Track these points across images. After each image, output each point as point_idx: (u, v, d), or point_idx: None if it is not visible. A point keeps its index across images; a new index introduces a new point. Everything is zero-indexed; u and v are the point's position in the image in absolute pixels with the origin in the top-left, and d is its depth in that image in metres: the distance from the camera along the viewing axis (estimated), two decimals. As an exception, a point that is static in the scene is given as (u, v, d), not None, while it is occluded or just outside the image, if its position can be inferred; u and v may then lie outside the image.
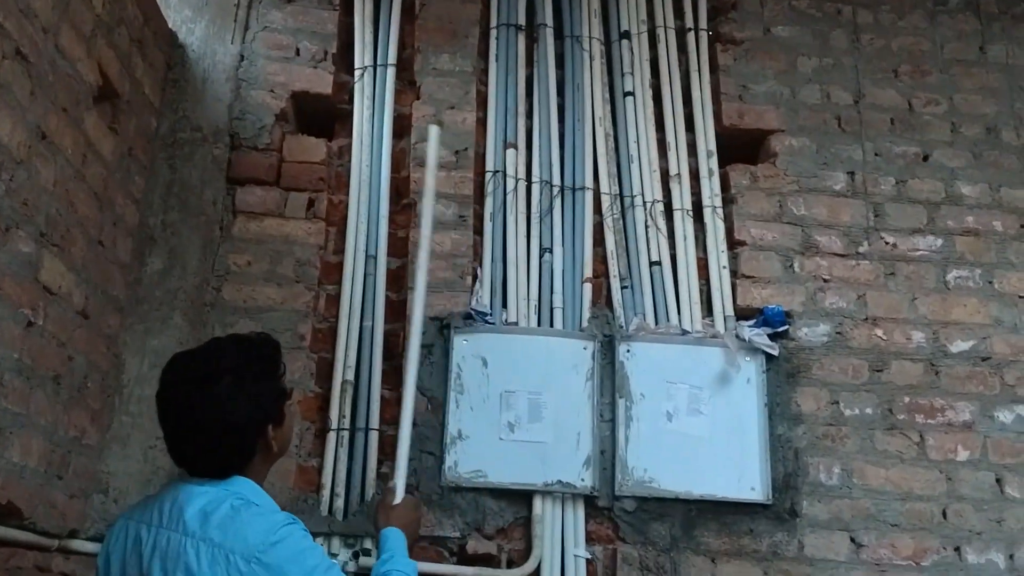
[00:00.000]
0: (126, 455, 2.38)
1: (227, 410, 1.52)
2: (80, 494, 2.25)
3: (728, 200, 2.83)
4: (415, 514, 1.88)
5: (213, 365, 1.56)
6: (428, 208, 2.11)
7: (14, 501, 1.91)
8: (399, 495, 1.89)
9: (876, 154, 2.89)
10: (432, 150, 2.19)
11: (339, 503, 2.47)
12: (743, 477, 2.55)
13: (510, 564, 2.47)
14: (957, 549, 2.53)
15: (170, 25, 2.75)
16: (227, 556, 1.41)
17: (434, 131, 2.21)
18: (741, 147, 2.93)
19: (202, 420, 1.52)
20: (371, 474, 2.51)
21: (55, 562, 2.15)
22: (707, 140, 2.89)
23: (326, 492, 2.48)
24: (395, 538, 1.76)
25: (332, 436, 2.52)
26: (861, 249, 2.78)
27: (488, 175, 2.80)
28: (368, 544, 2.42)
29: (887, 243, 2.79)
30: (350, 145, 2.81)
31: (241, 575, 1.40)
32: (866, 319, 2.72)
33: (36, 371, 1.99)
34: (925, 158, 2.90)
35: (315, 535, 2.35)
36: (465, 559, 2.45)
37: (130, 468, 2.37)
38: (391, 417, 2.58)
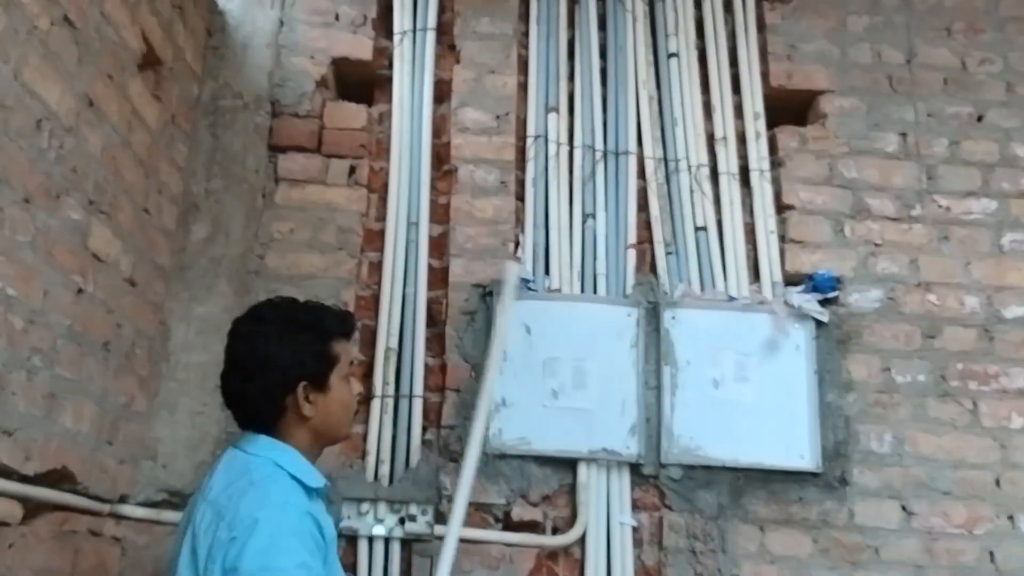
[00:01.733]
0: (174, 421, 2.40)
1: (260, 348, 1.58)
2: (130, 460, 2.27)
3: (776, 163, 2.77)
4: None
5: (267, 310, 1.67)
6: (499, 343, 2.28)
7: (68, 466, 1.93)
8: None
9: (929, 115, 2.81)
10: (509, 288, 2.37)
11: (384, 469, 2.48)
12: (792, 445, 2.51)
13: (555, 531, 2.47)
14: (1011, 517, 2.49)
15: (210, -9, 2.73)
16: (218, 522, 1.43)
17: (512, 269, 2.38)
18: (789, 109, 2.86)
19: (238, 356, 1.61)
20: (415, 441, 2.51)
21: (107, 526, 2.18)
22: (754, 102, 2.83)
23: (371, 459, 2.49)
24: None
25: (376, 403, 2.53)
26: (913, 213, 2.71)
27: (529, 140, 2.76)
28: (414, 510, 2.42)
29: (940, 206, 2.72)
30: (390, 111, 2.79)
31: (220, 543, 1.40)
32: (919, 284, 2.65)
33: (86, 338, 2.00)
34: (979, 119, 2.82)
35: (361, 500, 2.40)
36: (510, 526, 2.46)
37: (178, 434, 2.38)
38: (435, 384, 2.58)
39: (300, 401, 1.59)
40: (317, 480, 1.58)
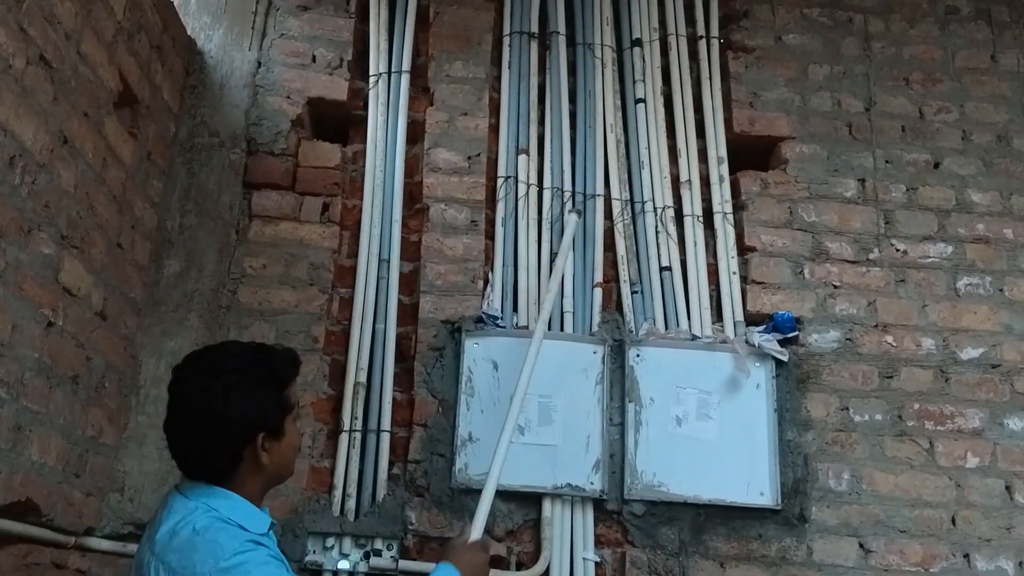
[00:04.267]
0: (142, 455, 2.42)
1: (219, 403, 1.50)
2: (97, 492, 2.29)
3: (738, 206, 2.85)
4: (481, 556, 1.82)
5: (218, 360, 1.57)
6: (556, 283, 2.49)
7: (32, 498, 1.95)
8: (473, 535, 1.90)
9: (887, 161, 2.90)
10: (568, 236, 2.58)
11: (351, 504, 2.50)
12: (752, 482, 2.56)
13: (519, 566, 2.49)
14: (966, 556, 2.54)
15: (189, 32, 2.80)
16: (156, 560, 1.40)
17: (572, 219, 2.59)
18: (752, 154, 2.95)
19: (193, 409, 1.52)
20: (382, 475, 2.54)
21: (71, 559, 2.19)
22: (718, 146, 2.91)
23: (338, 493, 2.51)
24: (445, 571, 1.72)
25: (344, 437, 2.55)
26: (872, 256, 2.79)
27: (500, 180, 2.83)
28: (379, 544, 2.44)
29: (898, 250, 2.80)
30: (364, 151, 2.85)
31: None
32: (876, 326, 2.72)
33: (55, 371, 2.03)
34: (936, 166, 2.91)
35: (327, 535, 2.42)
36: (475, 560, 2.47)
37: (146, 467, 2.40)
38: (402, 419, 2.61)
39: (258, 451, 1.54)
40: (262, 525, 1.54)
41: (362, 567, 2.43)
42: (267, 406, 1.57)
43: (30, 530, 1.97)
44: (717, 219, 2.83)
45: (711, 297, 2.76)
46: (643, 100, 2.95)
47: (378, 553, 2.44)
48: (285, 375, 1.61)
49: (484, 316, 2.67)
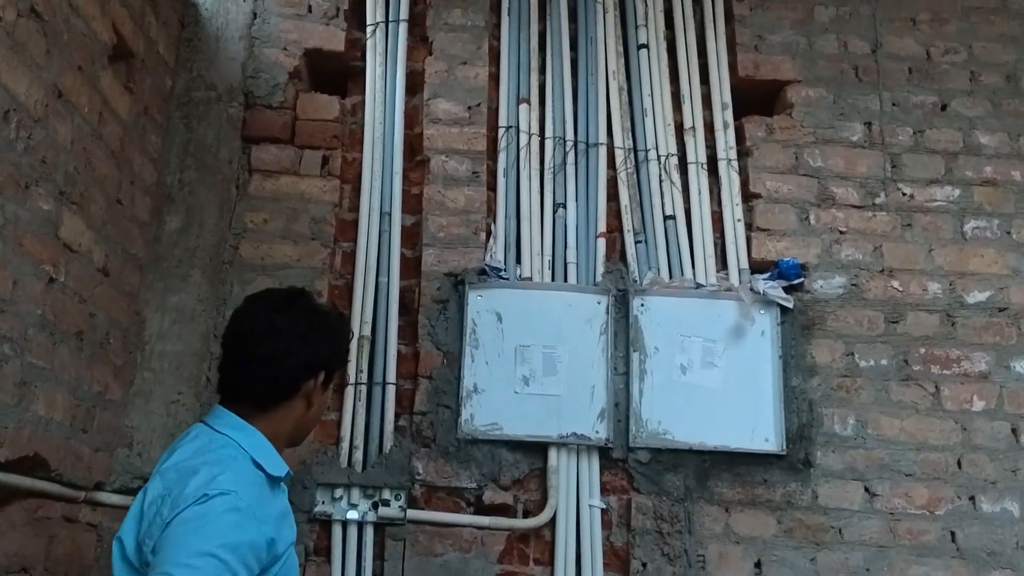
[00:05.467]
0: (149, 410, 2.43)
1: (304, 326, 1.59)
2: (105, 448, 2.31)
3: (743, 153, 2.82)
4: None
5: (306, 298, 1.68)
6: None
7: (40, 453, 1.96)
8: None
9: (894, 104, 2.85)
10: None
11: (358, 455, 2.52)
12: (757, 428, 2.56)
13: (526, 514, 2.52)
14: (972, 498, 2.54)
15: (182, -17, 2.76)
16: (164, 496, 1.41)
17: None
18: (757, 99, 2.91)
19: (277, 325, 1.58)
20: (389, 427, 2.55)
21: (82, 513, 2.21)
22: (722, 92, 2.87)
23: (345, 445, 2.53)
24: None
25: (350, 390, 2.56)
26: (878, 200, 2.76)
27: (501, 131, 2.80)
28: (387, 495, 2.46)
29: (904, 194, 2.77)
30: (363, 102, 2.82)
31: (163, 519, 1.38)
32: (882, 271, 2.70)
33: (59, 327, 2.03)
34: (943, 108, 2.86)
35: (335, 486, 2.44)
36: (482, 509, 2.50)
37: (153, 423, 2.42)
38: (407, 372, 2.62)
39: (313, 391, 1.61)
40: (280, 469, 1.56)
41: (371, 517, 2.46)
42: (337, 348, 1.67)
43: (40, 485, 1.98)
44: (721, 166, 2.80)
45: (715, 245, 2.75)
46: (646, 46, 2.90)
47: (386, 503, 2.46)
48: (350, 334, 1.76)
49: (487, 268, 2.66)
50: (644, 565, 2.46)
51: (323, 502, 2.46)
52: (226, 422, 1.56)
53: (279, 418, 1.59)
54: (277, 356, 1.57)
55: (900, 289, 2.69)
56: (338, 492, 2.47)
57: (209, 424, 1.56)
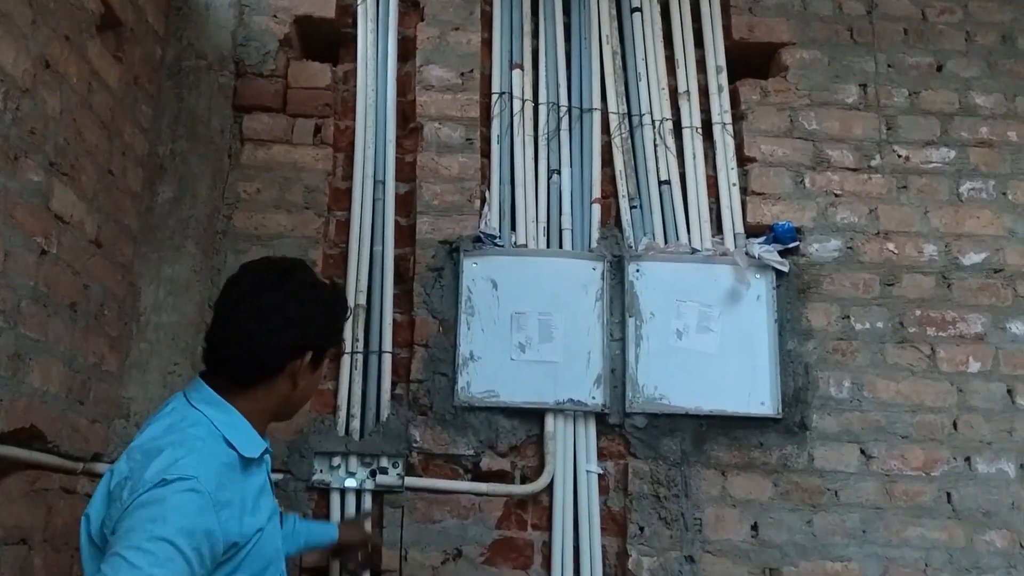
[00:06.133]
0: (146, 381, 2.43)
1: (293, 304, 1.55)
2: (102, 419, 2.31)
3: (738, 116, 2.80)
4: None
5: (298, 272, 1.62)
6: None
7: (37, 425, 1.96)
8: None
9: (889, 65, 2.83)
10: None
11: (355, 424, 2.52)
12: (753, 392, 2.57)
13: (523, 480, 2.53)
14: (967, 459, 2.56)
15: (170, -49, 2.72)
16: (127, 478, 1.39)
17: None
18: (751, 62, 2.88)
19: (265, 303, 1.54)
20: (385, 395, 2.55)
21: (80, 484, 2.22)
22: (716, 55, 2.85)
23: (342, 413, 2.53)
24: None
25: (347, 359, 2.56)
26: (873, 163, 2.75)
27: (494, 97, 2.77)
28: (384, 463, 2.47)
29: (899, 156, 2.76)
30: (355, 70, 2.79)
31: (122, 503, 1.36)
32: (877, 233, 2.70)
33: (52, 299, 2.03)
34: (939, 69, 2.84)
35: (332, 454, 2.45)
36: (479, 476, 2.51)
37: (150, 394, 2.42)
38: (403, 340, 2.62)
39: (299, 370, 1.57)
40: (254, 449, 1.53)
41: (368, 485, 2.47)
42: (330, 329, 1.63)
43: (37, 456, 1.98)
44: (716, 130, 2.78)
45: (711, 210, 2.73)
46: (639, 9, 2.87)
47: (384, 471, 2.47)
48: (346, 314, 1.69)
49: (482, 235, 2.65)
50: (641, 529, 2.47)
51: (321, 470, 2.47)
52: (202, 397, 1.53)
53: (261, 396, 1.56)
54: (260, 333, 1.53)
55: (895, 252, 2.69)
56: (336, 460, 2.48)
57: (187, 397, 1.54)
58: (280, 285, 1.57)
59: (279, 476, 2.44)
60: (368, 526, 2.38)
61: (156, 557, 1.29)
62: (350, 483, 2.46)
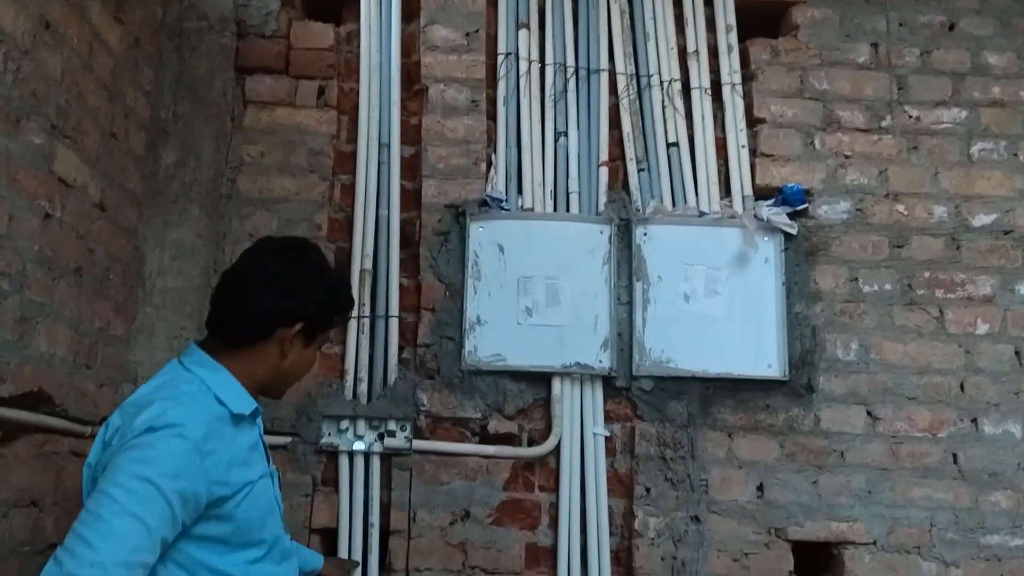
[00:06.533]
0: (152, 345, 2.43)
1: (291, 273, 1.59)
2: (110, 383, 2.31)
3: (748, 76, 2.76)
4: None
5: (310, 251, 1.68)
6: None
7: (44, 388, 1.96)
8: None
9: (900, 24, 2.78)
10: None
11: (363, 388, 2.53)
12: (760, 355, 2.57)
13: (531, 442, 2.54)
14: (974, 421, 2.56)
15: (169, -91, 2.67)
16: (119, 429, 1.44)
17: None
18: (762, 21, 2.83)
19: (268, 269, 1.60)
20: (392, 359, 2.55)
21: (88, 448, 2.21)
22: (726, 14, 2.79)
23: (349, 377, 2.54)
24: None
25: (353, 324, 2.56)
26: (884, 123, 2.71)
27: (500, 57, 2.74)
28: (392, 426, 2.48)
29: (910, 116, 2.72)
30: (358, 30, 2.75)
31: (112, 448, 1.42)
32: (887, 195, 2.67)
33: (57, 263, 2.02)
34: (951, 27, 2.79)
35: (340, 418, 2.45)
36: (487, 439, 2.52)
37: (157, 358, 2.42)
38: (409, 304, 2.61)
39: (288, 339, 1.60)
40: (245, 406, 1.56)
41: (377, 448, 2.48)
42: (325, 307, 1.63)
43: (45, 420, 1.99)
44: (726, 91, 2.74)
45: (719, 172, 2.71)
46: (647, -33, 2.82)
47: (392, 434, 2.48)
48: (346, 301, 1.71)
49: (488, 199, 2.63)
50: (648, 490, 2.48)
51: (329, 434, 2.48)
52: (194, 359, 1.57)
53: (251, 360, 1.59)
54: (256, 294, 1.58)
55: (905, 213, 2.66)
56: (344, 424, 2.48)
57: (181, 361, 1.58)
58: (287, 255, 1.63)
59: (288, 439, 2.46)
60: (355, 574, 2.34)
61: (138, 496, 1.34)
62: (358, 446, 2.47)
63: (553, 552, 2.47)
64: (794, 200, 2.63)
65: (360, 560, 2.42)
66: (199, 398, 1.50)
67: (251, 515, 1.50)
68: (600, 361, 2.55)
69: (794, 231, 2.61)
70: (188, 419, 1.43)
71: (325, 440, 2.47)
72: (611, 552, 2.47)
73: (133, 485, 1.34)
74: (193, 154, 2.55)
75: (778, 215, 2.61)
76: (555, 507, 2.49)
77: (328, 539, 2.47)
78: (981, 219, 2.67)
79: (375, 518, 2.44)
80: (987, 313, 2.62)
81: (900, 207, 2.66)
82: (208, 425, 1.46)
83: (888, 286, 2.62)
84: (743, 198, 2.68)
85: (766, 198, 2.67)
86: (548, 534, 2.49)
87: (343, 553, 2.42)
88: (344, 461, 2.48)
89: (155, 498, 1.35)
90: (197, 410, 1.47)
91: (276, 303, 1.58)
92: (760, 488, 2.50)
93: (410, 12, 2.78)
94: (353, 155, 2.68)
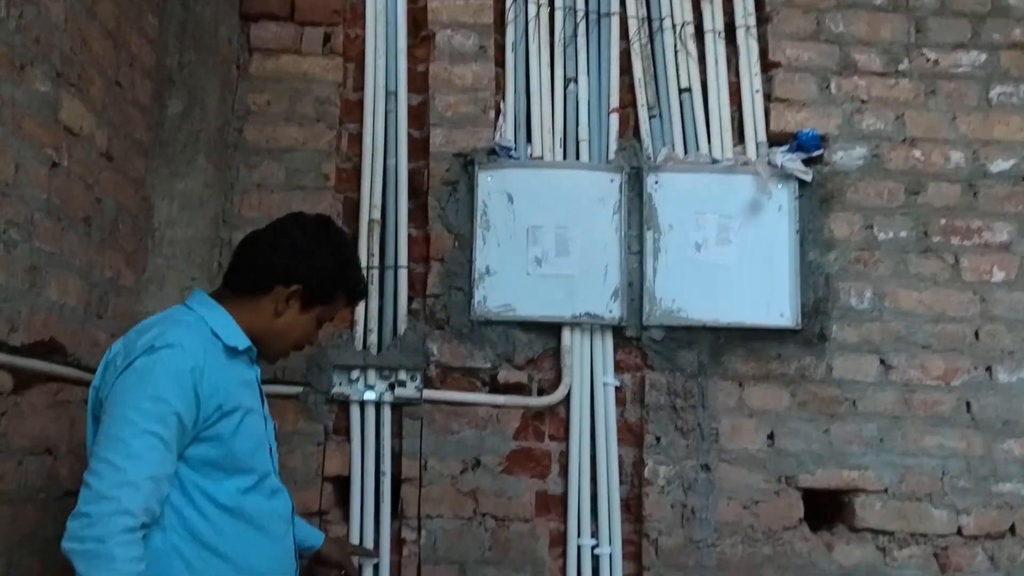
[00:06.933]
0: (163, 296, 2.43)
1: (306, 240, 1.76)
2: (121, 333, 2.27)
3: (762, 19, 2.70)
4: None
5: (335, 230, 1.87)
6: None
7: (56, 338, 1.96)
8: None
9: (919, -36, 2.71)
10: None
11: (373, 338, 2.53)
12: (772, 304, 2.55)
13: (541, 392, 2.54)
14: (988, 369, 2.54)
15: None
16: (120, 352, 1.64)
17: None
18: (776, -39, 2.77)
19: (287, 231, 1.79)
20: (402, 310, 2.55)
21: (102, 397, 2.24)
22: (740, -46, 2.73)
23: (360, 328, 2.54)
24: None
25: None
26: (901, 67, 2.66)
27: (508, 2, 2.68)
28: (403, 376, 2.48)
29: (928, 60, 2.66)
30: (364, -25, 2.71)
31: (116, 369, 1.61)
32: (904, 140, 2.63)
33: (66, 212, 2.01)
34: (972, -33, 2.72)
35: (351, 368, 2.45)
36: (497, 388, 2.53)
37: (167, 308, 2.42)
38: (419, 255, 2.60)
39: (282, 297, 1.74)
40: (239, 341, 1.71)
41: (387, 397, 2.49)
42: (327, 277, 1.77)
43: (58, 369, 1.99)
44: (740, 34, 2.69)
45: (732, 118, 2.66)
46: (659, -96, 2.75)
47: (402, 384, 2.49)
48: (353, 283, 1.85)
49: (497, 147, 2.60)
50: (658, 439, 2.49)
51: (340, 383, 2.49)
52: (197, 300, 1.76)
53: (248, 309, 1.74)
54: (263, 245, 1.77)
55: (922, 159, 2.62)
56: (355, 374, 2.49)
57: (186, 303, 1.77)
58: (306, 224, 1.81)
59: (299, 389, 2.46)
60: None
61: (150, 414, 1.52)
62: (369, 396, 2.48)
63: (563, 500, 2.49)
64: (809, 146, 2.59)
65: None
66: (195, 327, 1.67)
67: (242, 443, 1.66)
68: (610, 311, 2.54)
69: (808, 178, 2.57)
70: (185, 339, 1.60)
71: (336, 390, 2.48)
72: (621, 500, 2.48)
73: (145, 405, 1.52)
74: (199, 103, 2.52)
75: (792, 161, 2.57)
76: (565, 456, 2.50)
77: (340, 487, 2.49)
78: (999, 165, 2.62)
79: (387, 466, 2.46)
80: (1003, 260, 2.58)
81: (917, 153, 2.62)
82: (204, 347, 1.63)
83: (903, 233, 2.59)
84: (757, 144, 2.64)
85: (780, 144, 2.63)
86: (558, 482, 2.50)
87: (355, 504, 2.44)
88: (355, 410, 2.49)
89: (166, 413, 1.53)
90: (194, 334, 1.64)
91: (280, 259, 1.74)
92: (771, 437, 2.50)
93: (416, -46, 2.73)
94: (360, 103, 2.65)
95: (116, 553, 1.44)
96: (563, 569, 2.45)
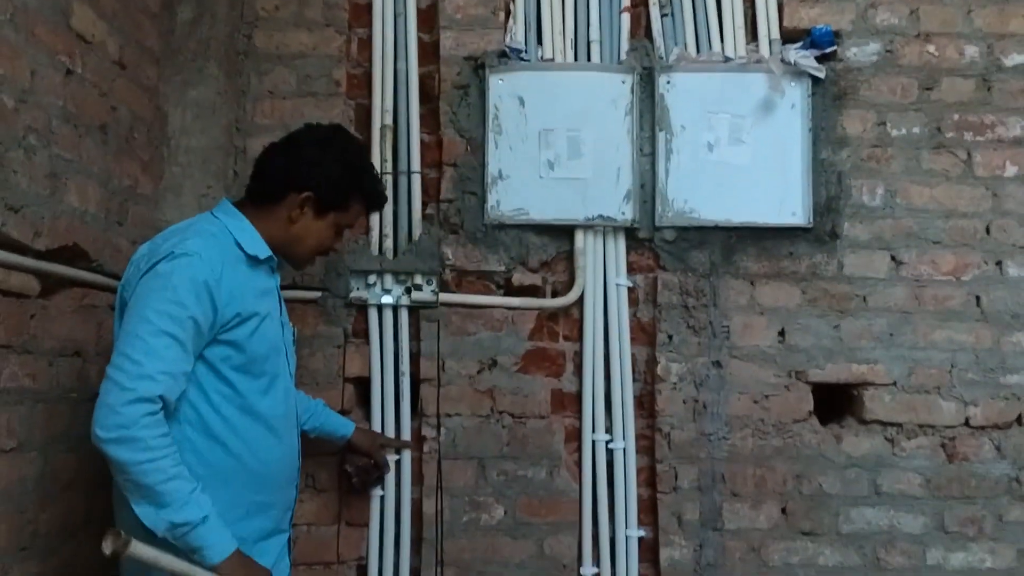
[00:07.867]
0: (181, 204, 2.47)
1: (318, 151, 1.87)
2: (141, 240, 2.31)
3: (777, -90, 2.64)
4: None
5: (349, 139, 1.98)
6: None
7: (80, 244, 2.01)
8: None
9: None
10: None
11: (388, 243, 2.56)
12: (784, 203, 2.56)
13: (555, 294, 2.58)
14: (999, 263, 2.55)
15: None
16: (144, 255, 1.77)
17: None
18: None
19: (303, 142, 1.91)
20: (416, 215, 2.57)
21: (127, 303, 2.29)
22: None
23: (375, 233, 2.57)
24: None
25: (376, 180, 2.57)
26: (916, -41, 2.61)
27: None
28: (419, 280, 2.53)
29: (945, -50, 2.61)
30: None
31: (140, 271, 1.73)
32: (918, 35, 2.59)
33: (81, 119, 2.03)
34: None
35: (368, 273, 2.49)
36: (511, 291, 2.57)
37: (186, 216, 2.41)
38: (431, 160, 2.61)
39: (294, 205, 1.86)
40: (261, 251, 1.83)
41: (404, 301, 2.53)
42: (337, 184, 1.87)
43: (83, 274, 2.04)
44: (754, -74, 2.63)
45: (745, 15, 2.62)
46: None
47: (418, 288, 2.53)
48: (369, 188, 1.95)
49: (507, 50, 2.58)
50: (670, 337, 2.53)
51: (358, 288, 2.53)
52: (222, 209, 1.88)
53: (266, 217, 1.86)
54: (276, 155, 1.89)
55: (936, 54, 2.59)
56: (371, 279, 2.53)
57: (212, 210, 1.89)
58: (316, 132, 1.92)
59: (318, 294, 2.51)
60: (387, 454, 2.45)
61: (169, 316, 1.64)
62: (386, 299, 2.53)
63: (578, 397, 2.55)
64: (823, 42, 2.55)
65: (409, 439, 2.53)
66: (218, 237, 1.79)
67: (257, 347, 1.78)
68: (623, 213, 2.56)
69: (822, 75, 2.55)
70: (204, 248, 1.72)
71: (354, 294, 2.53)
72: (634, 396, 2.54)
73: (164, 307, 1.64)
74: (208, 10, 2.51)
75: (806, 58, 2.55)
76: (579, 355, 2.56)
77: (361, 387, 2.55)
78: (1014, 59, 2.59)
79: (405, 367, 2.52)
80: (1016, 155, 2.57)
81: (931, 47, 2.59)
82: (223, 255, 1.75)
83: (916, 130, 2.58)
84: (770, 42, 2.61)
85: (794, 41, 2.60)
86: (573, 380, 2.56)
87: (376, 403, 2.51)
88: (373, 314, 2.54)
89: (182, 316, 1.65)
90: (214, 243, 1.75)
91: (293, 168, 1.85)
92: (782, 333, 2.54)
93: None
94: (368, 7, 2.62)
95: (140, 435, 1.58)
96: (579, 463, 2.53)
